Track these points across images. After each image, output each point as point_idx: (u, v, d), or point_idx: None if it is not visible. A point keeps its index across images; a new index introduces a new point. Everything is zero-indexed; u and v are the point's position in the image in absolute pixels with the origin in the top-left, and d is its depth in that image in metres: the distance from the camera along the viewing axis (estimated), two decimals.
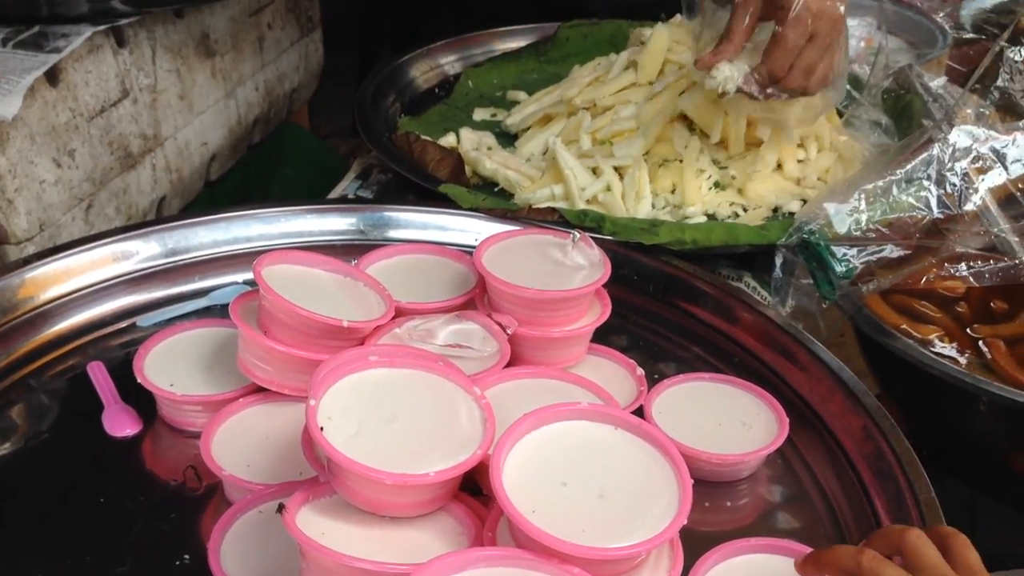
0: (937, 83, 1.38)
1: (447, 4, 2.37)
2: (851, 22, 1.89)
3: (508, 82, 1.73)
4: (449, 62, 1.77)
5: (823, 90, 1.26)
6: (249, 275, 0.96)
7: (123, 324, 1.14)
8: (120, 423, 0.99)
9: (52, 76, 1.18)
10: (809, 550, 0.81)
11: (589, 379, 0.99)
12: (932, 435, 1.17)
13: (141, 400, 1.00)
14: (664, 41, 1.45)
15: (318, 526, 0.77)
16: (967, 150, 1.17)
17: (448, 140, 1.51)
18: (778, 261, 1.19)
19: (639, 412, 0.99)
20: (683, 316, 1.17)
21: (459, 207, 1.28)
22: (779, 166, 1.41)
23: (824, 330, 1.16)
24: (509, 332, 1.00)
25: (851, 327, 1.20)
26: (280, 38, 1.67)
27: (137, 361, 1.00)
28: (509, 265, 1.03)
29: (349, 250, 1.20)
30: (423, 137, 1.45)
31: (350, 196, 1.45)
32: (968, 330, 1.15)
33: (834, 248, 1.14)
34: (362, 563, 0.73)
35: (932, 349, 1.11)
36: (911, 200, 1.15)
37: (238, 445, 0.93)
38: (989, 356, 1.12)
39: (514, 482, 0.74)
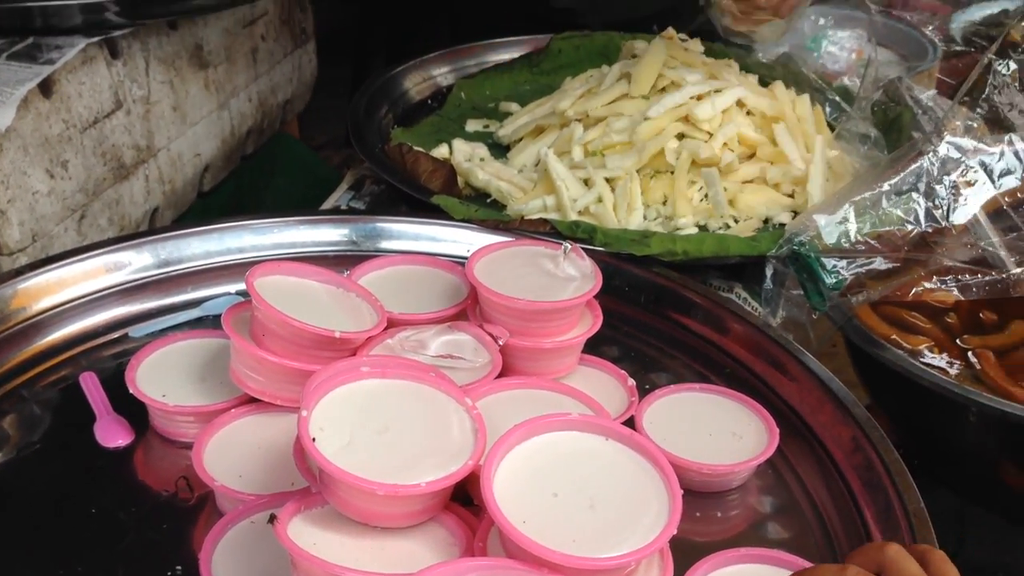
0: (927, 96, 1.39)
1: (441, 16, 2.38)
2: (842, 34, 1.91)
3: (501, 93, 1.74)
4: (442, 73, 1.78)
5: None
6: (242, 286, 0.97)
7: (115, 335, 1.14)
8: (112, 433, 1.00)
9: (46, 87, 1.19)
10: (799, 560, 0.82)
11: (580, 390, 0.99)
12: (922, 445, 1.17)
13: (133, 411, 1.00)
14: (660, 55, 1.46)
15: (309, 536, 0.77)
16: (955, 163, 1.18)
17: (441, 151, 1.52)
18: (768, 272, 1.20)
19: (630, 422, 0.99)
20: (674, 327, 1.18)
21: (451, 218, 1.28)
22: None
23: (814, 341, 1.16)
24: (501, 343, 1.00)
25: (842, 338, 1.20)
26: (273, 49, 1.67)
27: (129, 372, 1.01)
28: (501, 276, 1.04)
29: (342, 261, 1.20)
30: (416, 148, 1.46)
31: (343, 207, 1.46)
32: (958, 341, 1.16)
33: (824, 260, 1.14)
34: (353, 573, 0.73)
35: (922, 360, 1.12)
36: (900, 213, 1.16)
37: (230, 456, 0.93)
38: (978, 367, 1.12)
39: (505, 492, 0.74)
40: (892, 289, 1.14)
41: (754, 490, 0.98)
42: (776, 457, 0.99)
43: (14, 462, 0.97)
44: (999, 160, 1.19)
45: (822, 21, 1.88)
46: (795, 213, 1.37)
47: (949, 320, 1.18)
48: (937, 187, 1.16)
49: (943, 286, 1.14)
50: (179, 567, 0.86)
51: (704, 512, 0.95)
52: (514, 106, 1.67)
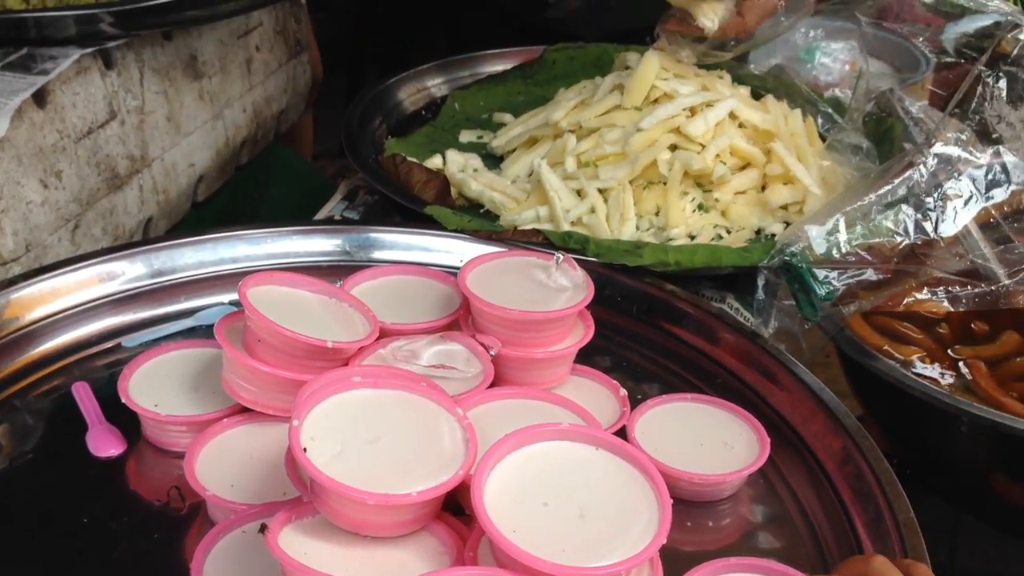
0: (918, 107, 1.39)
1: (437, 28, 2.39)
2: (835, 46, 1.92)
3: (494, 104, 1.74)
4: (436, 84, 1.79)
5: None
6: (235, 296, 0.97)
7: (108, 344, 1.14)
8: (104, 443, 1.00)
9: (40, 98, 1.19)
10: (789, 570, 0.82)
11: (572, 400, 0.99)
12: (914, 455, 1.18)
13: (126, 420, 1.00)
14: (654, 67, 1.47)
15: (300, 546, 0.77)
16: (945, 175, 1.18)
17: (434, 162, 1.52)
18: (760, 283, 1.20)
19: (622, 432, 0.99)
20: (666, 337, 1.18)
21: (444, 228, 1.29)
22: (763, 188, 1.43)
23: (806, 351, 1.17)
24: (493, 353, 1.00)
25: (835, 348, 1.21)
26: (268, 60, 1.68)
27: (122, 381, 1.01)
28: (493, 286, 1.04)
29: (335, 271, 1.21)
30: (409, 159, 1.46)
31: (336, 217, 1.46)
32: (949, 351, 1.16)
33: (815, 270, 1.15)
34: None
35: (913, 370, 1.12)
36: (889, 224, 1.16)
37: (222, 465, 0.93)
38: (970, 377, 1.13)
39: (495, 502, 0.75)
40: (883, 300, 1.15)
41: (745, 500, 0.99)
42: (767, 467, 0.99)
43: (6, 472, 0.97)
44: (988, 172, 1.20)
45: (814, 33, 1.88)
46: (787, 224, 1.38)
47: (941, 330, 1.19)
48: (926, 199, 1.17)
49: (933, 297, 1.15)
50: None
51: (695, 522, 0.95)
52: (508, 117, 1.68)
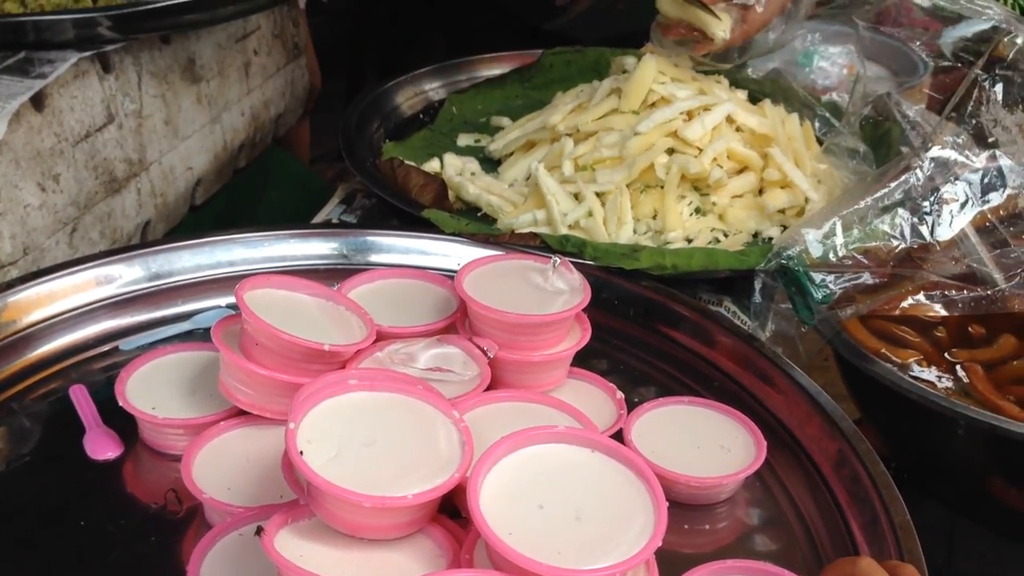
0: (915, 111, 1.39)
1: (436, 30, 2.40)
2: (833, 50, 1.92)
3: (492, 108, 1.75)
4: (433, 88, 1.79)
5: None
6: (232, 299, 0.97)
7: (106, 348, 1.14)
8: (101, 446, 1.00)
9: (37, 101, 1.19)
10: (785, 572, 0.82)
11: (568, 403, 0.99)
12: (911, 459, 1.18)
13: (123, 423, 1.01)
14: (651, 71, 1.47)
15: (296, 549, 0.77)
16: (941, 179, 1.18)
17: (432, 165, 1.52)
18: (757, 286, 1.20)
19: (619, 435, 0.99)
20: (663, 340, 1.18)
21: (442, 232, 1.29)
22: (760, 192, 1.43)
23: (803, 354, 1.17)
24: (490, 356, 1.00)
25: (832, 351, 1.21)
26: (266, 64, 1.68)
27: (119, 384, 1.01)
28: (490, 290, 1.04)
29: (332, 274, 1.21)
30: (407, 162, 1.47)
31: (334, 220, 1.46)
32: (946, 354, 1.16)
33: (812, 274, 1.15)
34: None
35: (910, 373, 1.12)
36: (886, 228, 1.16)
37: (219, 468, 0.93)
38: (967, 380, 1.13)
39: (491, 504, 0.75)
40: (879, 304, 1.15)
41: (742, 502, 0.99)
42: (764, 470, 0.99)
43: (4, 474, 0.97)
44: (984, 176, 1.20)
45: (811, 37, 1.89)
46: (784, 228, 1.38)
47: (938, 334, 1.19)
48: (923, 203, 1.17)
49: (929, 302, 1.15)
50: None
51: (692, 524, 0.96)
52: (505, 120, 1.68)
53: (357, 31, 2.82)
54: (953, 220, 1.18)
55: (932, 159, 1.19)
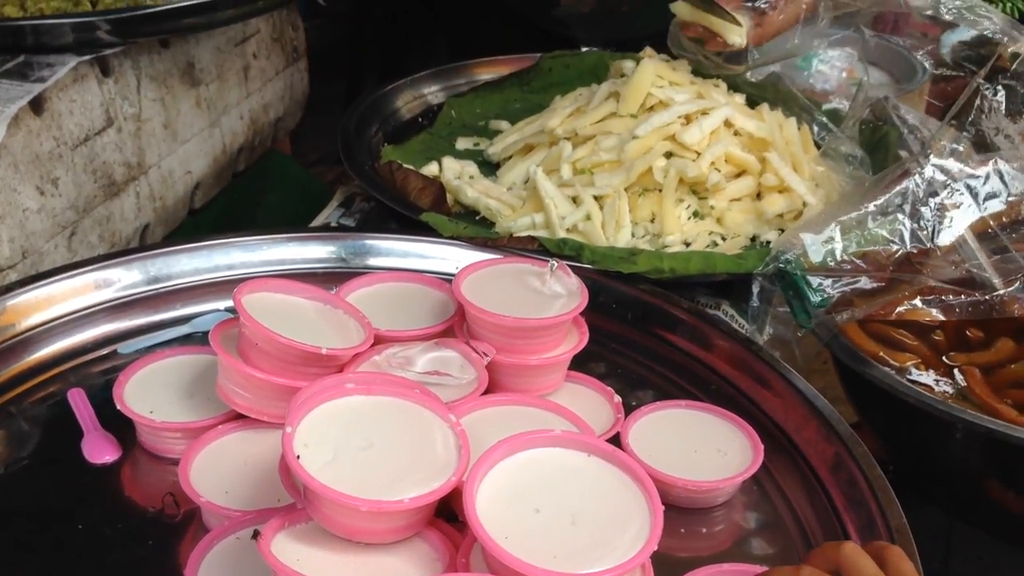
0: (913, 115, 1.39)
1: (437, 32, 2.40)
2: (832, 53, 1.92)
3: (491, 112, 1.75)
4: (432, 92, 1.79)
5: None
6: (230, 302, 0.97)
7: (104, 351, 1.14)
8: (99, 450, 1.00)
9: (36, 105, 1.19)
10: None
11: (566, 407, 0.99)
12: (909, 462, 1.18)
13: (121, 427, 1.01)
14: (649, 75, 1.47)
15: (293, 552, 0.77)
16: (941, 185, 1.18)
17: (431, 169, 1.53)
18: (755, 290, 1.20)
19: (616, 439, 0.99)
20: (660, 344, 1.18)
21: (440, 235, 1.29)
22: (758, 196, 1.43)
23: (799, 358, 1.17)
24: (487, 360, 1.01)
25: (831, 355, 1.21)
26: (265, 67, 1.68)
27: (117, 388, 1.01)
28: (488, 293, 1.04)
29: (330, 278, 1.21)
30: (405, 166, 1.47)
31: (333, 224, 1.47)
32: (944, 358, 1.16)
33: (810, 278, 1.15)
34: None
35: (908, 377, 1.12)
36: (885, 233, 1.16)
37: (216, 472, 0.93)
38: (964, 384, 1.13)
39: (487, 508, 0.75)
40: (877, 308, 1.15)
41: (739, 506, 0.99)
42: (761, 473, 0.99)
43: (2, 478, 0.97)
44: (984, 183, 1.20)
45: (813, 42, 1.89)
46: (782, 231, 1.38)
47: (936, 337, 1.19)
48: (922, 209, 1.17)
49: (926, 306, 1.15)
50: None
51: (689, 528, 0.96)
52: (504, 124, 1.68)
53: (356, 33, 2.82)
54: (954, 225, 1.19)
55: (932, 165, 1.19)
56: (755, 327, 1.21)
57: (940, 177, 1.19)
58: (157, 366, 1.05)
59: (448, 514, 0.85)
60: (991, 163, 1.21)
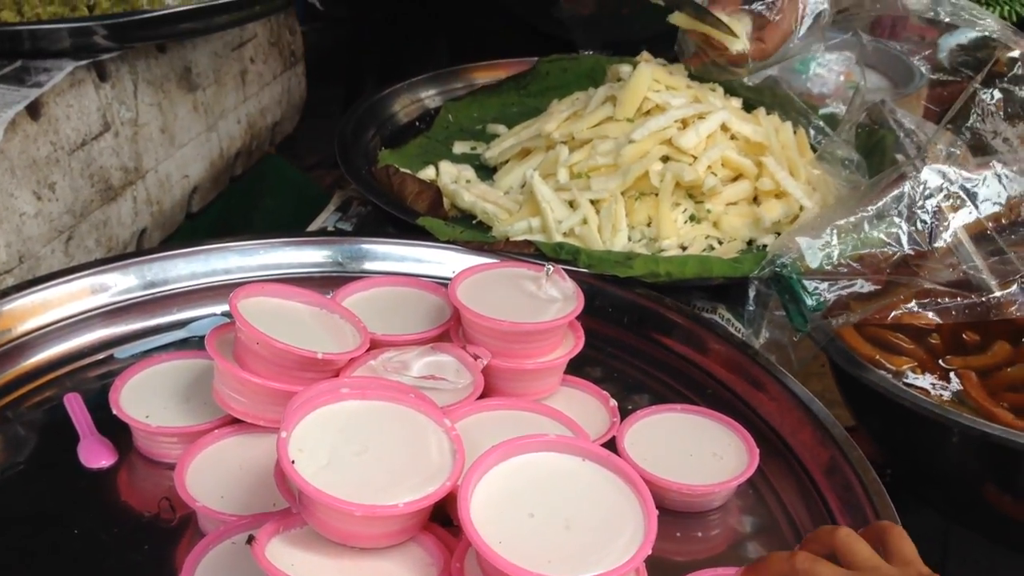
0: (910, 119, 1.39)
1: (436, 35, 2.40)
2: (830, 56, 1.92)
3: (488, 115, 1.75)
4: (430, 95, 1.79)
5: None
6: (227, 307, 0.97)
7: (101, 356, 1.15)
8: (95, 454, 1.00)
9: (33, 110, 1.20)
10: None
11: (561, 411, 0.99)
12: (906, 466, 1.18)
13: (117, 431, 1.01)
14: (646, 79, 1.47)
15: (288, 557, 0.77)
16: (938, 188, 1.18)
17: (428, 173, 1.53)
18: (751, 294, 1.20)
19: (612, 443, 0.99)
20: (657, 348, 1.18)
21: (436, 240, 1.29)
22: (755, 199, 1.44)
23: (795, 362, 1.17)
24: (483, 364, 1.01)
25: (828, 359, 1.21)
26: (262, 72, 1.68)
27: (113, 393, 1.01)
28: (483, 298, 1.04)
29: (327, 282, 1.21)
30: (402, 170, 1.47)
31: (330, 228, 1.47)
32: (941, 361, 1.16)
33: (805, 282, 1.15)
34: None
35: (905, 380, 1.12)
36: (882, 236, 1.16)
37: (212, 476, 0.93)
38: (961, 387, 1.13)
39: (482, 513, 0.75)
40: (873, 311, 1.15)
41: (734, 510, 0.99)
42: (756, 477, 0.99)
43: None
44: (981, 186, 1.20)
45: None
46: (778, 234, 1.38)
47: (932, 341, 1.19)
48: (919, 212, 1.17)
49: (923, 309, 1.15)
50: None
51: (684, 532, 0.96)
52: (501, 128, 1.69)
53: (355, 36, 2.82)
54: (950, 228, 1.19)
55: (929, 168, 1.19)
56: (751, 331, 1.21)
57: (937, 180, 1.19)
58: (153, 371, 1.05)
59: (443, 518, 0.85)
60: (989, 166, 1.21)
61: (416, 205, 1.41)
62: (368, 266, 1.28)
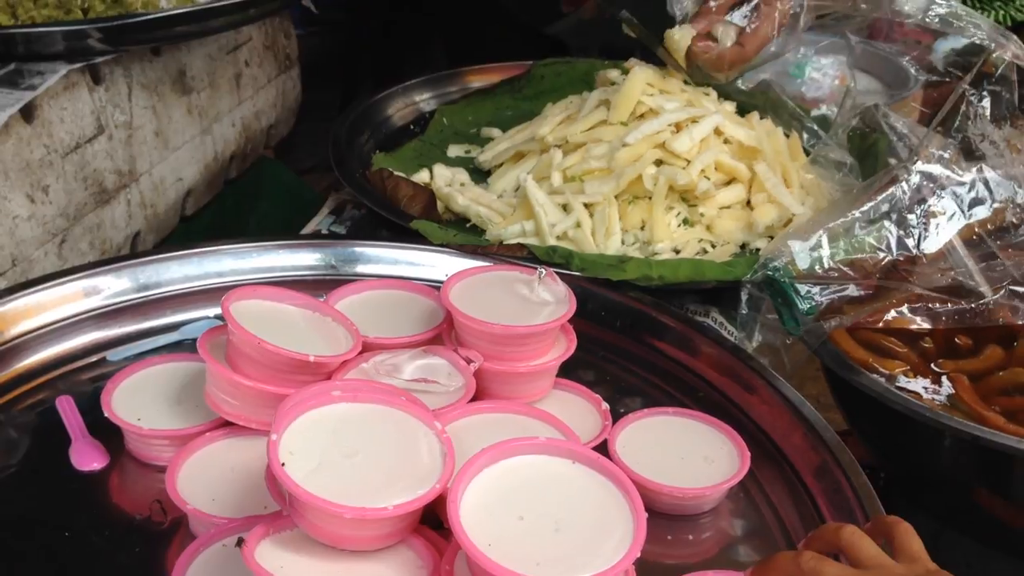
0: (902, 123, 1.40)
1: (434, 38, 2.40)
2: (825, 60, 1.93)
3: (482, 119, 1.75)
4: (424, 99, 1.80)
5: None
6: (220, 310, 0.98)
7: (93, 358, 1.15)
8: (87, 457, 1.00)
9: (27, 113, 1.20)
10: None
11: (553, 414, 0.99)
12: (899, 469, 1.18)
13: (109, 434, 1.01)
14: (639, 83, 1.47)
15: (277, 560, 0.77)
16: (927, 192, 1.19)
17: (422, 176, 1.53)
18: (744, 297, 1.20)
19: (603, 446, 1.00)
20: (649, 351, 1.18)
21: (430, 243, 1.29)
22: (748, 203, 1.44)
23: (788, 365, 1.17)
24: (475, 367, 1.01)
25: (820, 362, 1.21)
26: (257, 75, 1.68)
27: (105, 395, 1.01)
28: (476, 301, 1.05)
29: (320, 285, 1.21)
30: (396, 173, 1.47)
31: (323, 231, 1.47)
32: (933, 365, 1.17)
33: (798, 285, 1.15)
34: None
35: (897, 384, 1.12)
36: (872, 240, 1.16)
37: (204, 479, 0.93)
38: (953, 391, 1.13)
39: (471, 516, 0.75)
40: (865, 315, 1.15)
41: (725, 513, 0.99)
42: (747, 480, 1.00)
43: None
44: (970, 190, 1.20)
45: (804, 49, 1.89)
46: (771, 238, 1.38)
47: (925, 345, 1.19)
48: (908, 215, 1.17)
49: (913, 314, 1.15)
50: None
51: (675, 535, 0.96)
52: (496, 131, 1.69)
53: (351, 40, 2.82)
54: (940, 232, 1.19)
55: (919, 172, 1.19)
56: (744, 334, 1.21)
57: (926, 184, 1.20)
58: (145, 373, 1.06)
59: (433, 521, 0.85)
60: (975, 170, 1.21)
61: (410, 208, 1.41)
62: (361, 269, 1.28)
